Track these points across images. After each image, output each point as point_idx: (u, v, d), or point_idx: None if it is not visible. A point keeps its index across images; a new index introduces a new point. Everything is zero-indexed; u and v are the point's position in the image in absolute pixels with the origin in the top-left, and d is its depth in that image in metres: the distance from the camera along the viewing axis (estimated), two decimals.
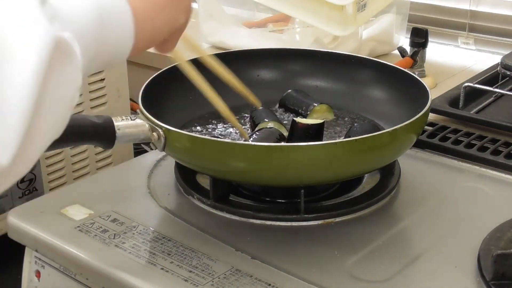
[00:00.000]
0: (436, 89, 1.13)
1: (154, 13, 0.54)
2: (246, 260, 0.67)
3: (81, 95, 1.08)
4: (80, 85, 0.44)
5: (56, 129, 0.44)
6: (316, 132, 0.78)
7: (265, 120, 0.84)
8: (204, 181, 0.80)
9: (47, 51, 0.40)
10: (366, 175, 0.81)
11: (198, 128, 0.87)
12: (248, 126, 0.88)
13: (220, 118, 0.89)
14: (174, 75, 0.82)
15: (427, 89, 0.80)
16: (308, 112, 0.88)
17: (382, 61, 0.93)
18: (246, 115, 0.90)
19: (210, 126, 0.88)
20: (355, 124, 0.85)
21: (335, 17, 1.14)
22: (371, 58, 0.96)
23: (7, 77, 0.38)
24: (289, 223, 0.73)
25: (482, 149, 0.89)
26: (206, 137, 0.73)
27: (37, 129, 0.41)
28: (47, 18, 0.41)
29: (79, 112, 1.09)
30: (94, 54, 0.47)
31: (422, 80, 0.84)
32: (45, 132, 0.42)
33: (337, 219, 0.74)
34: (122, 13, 0.50)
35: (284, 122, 0.87)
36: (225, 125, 0.88)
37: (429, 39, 1.18)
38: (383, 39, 1.31)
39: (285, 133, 0.82)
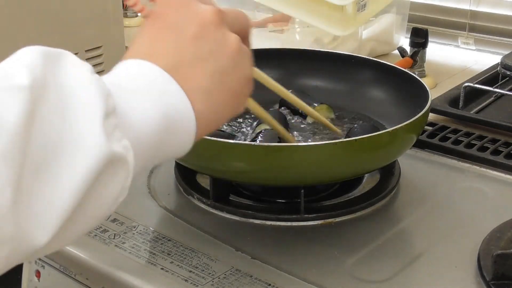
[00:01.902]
0: (436, 89, 1.13)
1: (217, 114, 0.52)
2: (246, 260, 0.67)
3: None
4: (129, 185, 0.45)
5: (97, 220, 0.46)
6: None
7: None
8: (204, 181, 0.80)
9: (98, 164, 0.41)
10: (366, 175, 0.81)
11: None
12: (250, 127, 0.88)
13: None
14: None
15: (427, 89, 0.80)
16: None
17: (382, 61, 0.93)
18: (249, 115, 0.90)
19: None
20: (355, 125, 0.85)
21: (335, 17, 1.14)
22: (371, 58, 0.96)
23: (54, 177, 0.40)
24: (289, 223, 0.73)
25: (482, 149, 0.89)
26: (206, 137, 0.73)
27: (76, 222, 0.42)
28: (106, 133, 0.42)
29: None
30: (151, 157, 0.48)
31: (422, 80, 0.84)
32: (84, 223, 0.44)
33: (337, 219, 0.74)
34: (187, 123, 0.49)
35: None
36: (225, 125, 0.88)
37: (429, 39, 1.18)
38: (383, 39, 1.31)
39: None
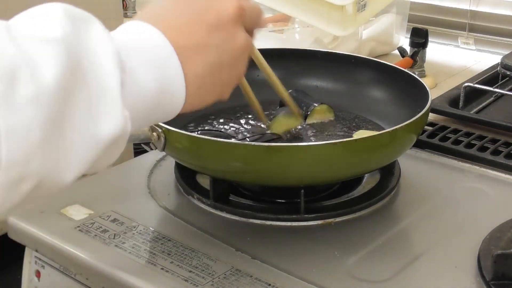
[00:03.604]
0: (436, 89, 1.13)
1: (203, 99, 0.56)
2: (246, 260, 0.67)
3: None
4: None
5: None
6: None
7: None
8: (204, 181, 0.80)
9: (116, 135, 0.47)
10: (366, 175, 0.81)
11: (199, 128, 0.87)
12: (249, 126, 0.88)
13: (219, 118, 0.89)
14: None
15: (427, 89, 0.80)
16: (309, 113, 0.88)
17: (382, 61, 0.93)
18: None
19: (211, 126, 0.88)
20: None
21: (335, 17, 1.14)
22: (371, 58, 0.96)
23: (83, 130, 0.45)
24: (289, 223, 0.73)
25: (482, 149, 0.89)
26: (206, 137, 0.73)
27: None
28: (124, 105, 0.47)
29: None
30: (140, 124, 0.52)
31: (422, 80, 0.84)
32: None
33: (337, 219, 0.74)
34: (176, 100, 0.53)
35: None
36: (225, 125, 0.88)
37: (429, 39, 1.18)
38: (383, 39, 1.31)
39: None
